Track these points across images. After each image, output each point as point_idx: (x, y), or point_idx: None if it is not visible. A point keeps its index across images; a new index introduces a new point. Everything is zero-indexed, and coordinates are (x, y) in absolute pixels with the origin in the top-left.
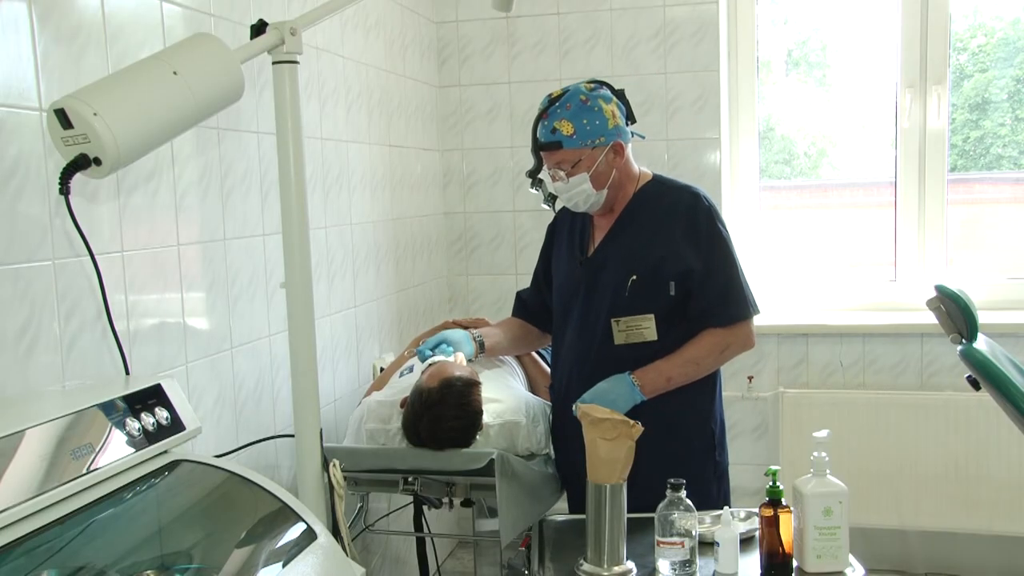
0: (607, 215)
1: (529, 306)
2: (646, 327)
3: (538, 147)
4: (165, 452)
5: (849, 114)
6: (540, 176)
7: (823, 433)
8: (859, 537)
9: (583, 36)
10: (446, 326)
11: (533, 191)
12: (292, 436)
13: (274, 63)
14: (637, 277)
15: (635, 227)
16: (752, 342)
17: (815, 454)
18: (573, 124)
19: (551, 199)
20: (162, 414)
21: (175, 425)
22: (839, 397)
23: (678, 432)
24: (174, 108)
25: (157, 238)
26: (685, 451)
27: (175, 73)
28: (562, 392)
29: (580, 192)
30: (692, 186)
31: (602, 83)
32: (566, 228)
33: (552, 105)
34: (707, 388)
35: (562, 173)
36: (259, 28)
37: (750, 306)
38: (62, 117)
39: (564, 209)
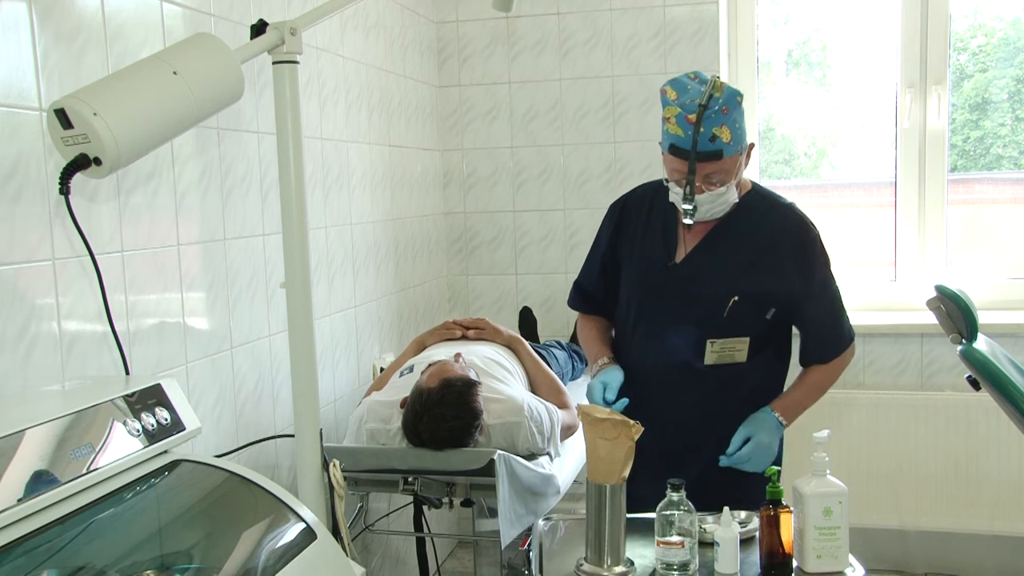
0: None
1: (596, 299)
2: (739, 349)
3: (699, 156)
4: (165, 452)
5: (849, 114)
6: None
7: (823, 433)
8: (859, 537)
9: (583, 36)
10: (446, 327)
11: (686, 206)
12: (292, 436)
13: (274, 63)
14: (739, 299)
15: (736, 241)
16: None
17: (815, 454)
18: (731, 130)
19: (692, 212)
20: (162, 414)
21: (175, 425)
22: (839, 397)
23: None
24: (174, 108)
25: (157, 238)
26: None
27: (175, 73)
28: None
29: (724, 202)
30: (794, 204)
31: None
32: (641, 218)
33: (708, 109)
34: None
35: (715, 183)
36: (259, 28)
37: (852, 329)
38: (62, 117)
39: (636, 194)
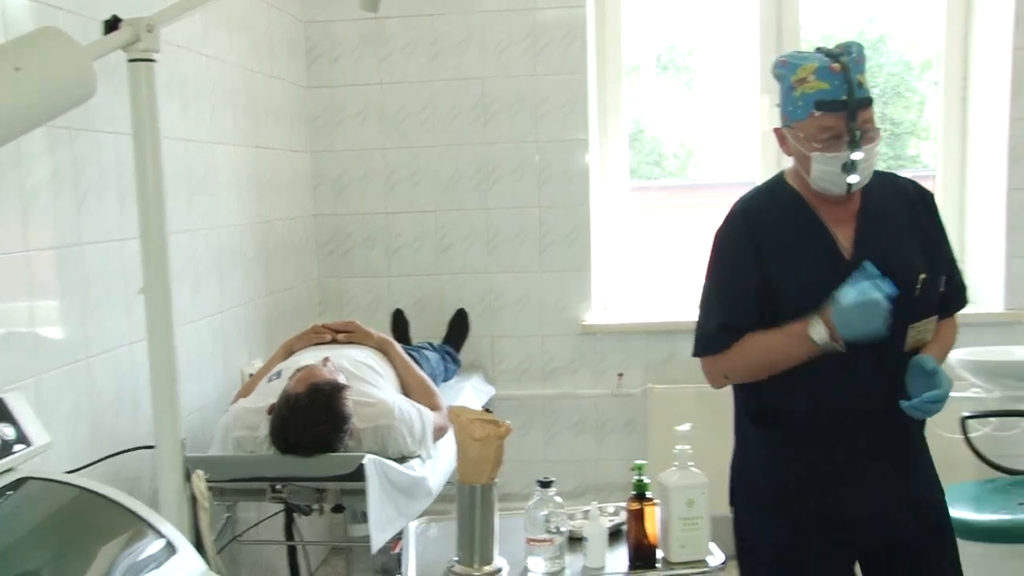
0: (843, 208)
1: (746, 331)
2: (930, 329)
3: (858, 104)
4: (10, 470)
5: (714, 116)
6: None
7: (686, 427)
8: None
9: (455, 38)
10: (315, 331)
11: (856, 156)
12: (152, 447)
13: (129, 61)
14: (926, 275)
15: (885, 221)
16: None
17: (678, 447)
18: (866, 80)
19: (851, 165)
20: (6, 430)
21: (21, 441)
22: (705, 391)
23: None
24: (17, 106)
25: (1, 243)
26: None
27: (17, 69)
28: (811, 407)
29: (872, 163)
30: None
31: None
32: (775, 234)
33: (848, 56)
34: None
35: (870, 136)
36: (112, 24)
37: None
38: None
39: (751, 209)
